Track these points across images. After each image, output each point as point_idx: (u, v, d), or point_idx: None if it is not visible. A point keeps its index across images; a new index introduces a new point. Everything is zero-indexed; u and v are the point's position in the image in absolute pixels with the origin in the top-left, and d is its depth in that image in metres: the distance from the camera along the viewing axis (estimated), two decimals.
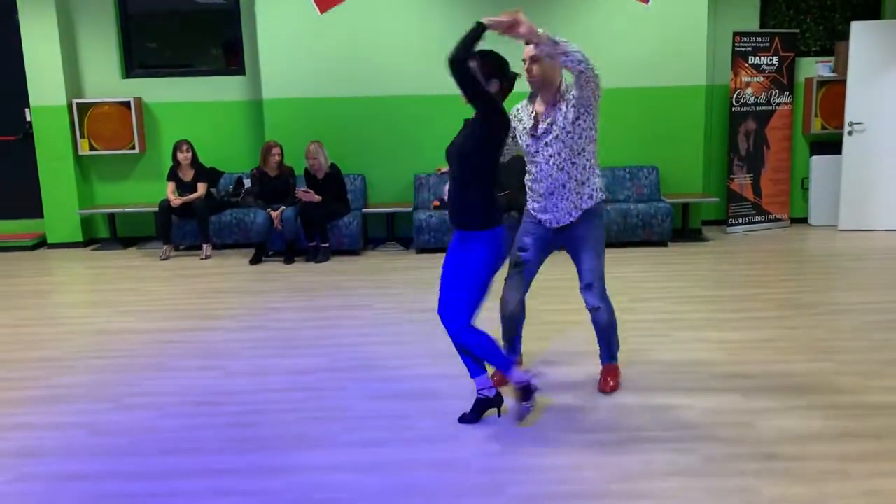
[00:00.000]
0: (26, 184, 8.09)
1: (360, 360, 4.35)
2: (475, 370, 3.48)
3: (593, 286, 3.66)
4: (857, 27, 7.48)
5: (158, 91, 8.01)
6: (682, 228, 7.66)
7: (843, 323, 4.80)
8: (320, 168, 7.10)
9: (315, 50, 7.60)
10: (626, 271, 6.29)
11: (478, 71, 3.16)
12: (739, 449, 3.17)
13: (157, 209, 7.42)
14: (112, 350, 4.68)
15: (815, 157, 8.08)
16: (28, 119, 7.98)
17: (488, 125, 3.20)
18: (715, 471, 3.00)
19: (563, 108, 3.44)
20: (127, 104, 7.84)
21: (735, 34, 7.68)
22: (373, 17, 7.53)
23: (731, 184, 7.90)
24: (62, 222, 7.99)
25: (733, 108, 7.80)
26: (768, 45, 7.81)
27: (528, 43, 3.35)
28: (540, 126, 3.52)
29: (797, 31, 8.03)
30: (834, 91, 7.88)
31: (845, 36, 7.86)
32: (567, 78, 3.51)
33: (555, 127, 3.47)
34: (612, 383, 3.84)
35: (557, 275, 5.45)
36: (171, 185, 7.41)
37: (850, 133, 7.65)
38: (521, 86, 3.44)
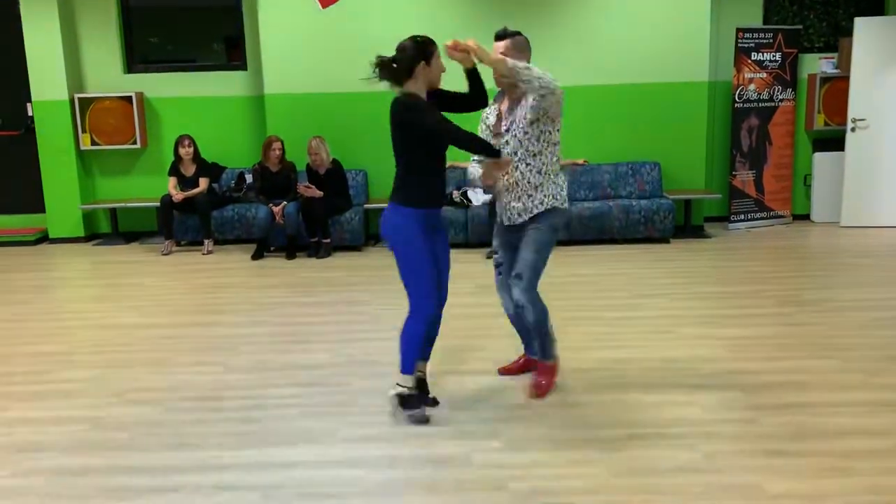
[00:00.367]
0: (28, 178, 8.09)
1: (362, 356, 4.35)
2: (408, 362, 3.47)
3: (522, 277, 3.54)
4: (860, 23, 7.46)
5: (160, 86, 8.00)
6: (685, 225, 7.64)
7: (846, 320, 4.78)
8: (322, 163, 7.09)
9: (317, 45, 7.59)
10: (627, 268, 6.28)
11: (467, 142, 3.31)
12: (742, 445, 3.16)
13: (158, 204, 7.42)
14: (113, 345, 4.68)
15: (817, 154, 8.06)
16: (30, 114, 7.98)
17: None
18: (717, 467, 2.99)
19: (524, 109, 3.49)
20: (129, 99, 7.84)
21: (738, 30, 7.65)
22: (375, 11, 7.51)
23: (734, 180, 7.89)
24: (64, 217, 8.00)
25: (736, 105, 7.78)
26: (771, 41, 7.79)
27: (498, 40, 3.52)
28: (502, 123, 3.59)
29: (800, 27, 8.00)
30: (837, 87, 7.86)
31: (849, 32, 7.83)
32: None
33: (514, 125, 3.53)
34: (544, 383, 3.72)
35: (557, 275, 5.44)
36: (172, 181, 7.41)
37: (852, 130, 7.63)
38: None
